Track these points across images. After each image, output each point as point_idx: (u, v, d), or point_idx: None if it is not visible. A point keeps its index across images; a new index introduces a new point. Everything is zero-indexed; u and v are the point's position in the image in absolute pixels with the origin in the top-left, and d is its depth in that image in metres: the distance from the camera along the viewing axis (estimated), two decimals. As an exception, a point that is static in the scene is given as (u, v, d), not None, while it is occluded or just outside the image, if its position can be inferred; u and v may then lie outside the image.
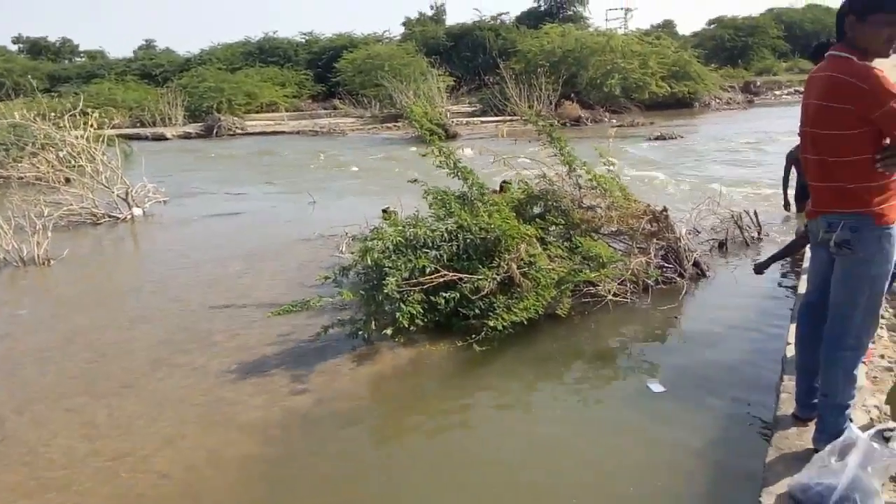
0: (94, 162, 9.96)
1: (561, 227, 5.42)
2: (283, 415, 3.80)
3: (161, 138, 23.65)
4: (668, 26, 44.79)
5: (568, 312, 4.75)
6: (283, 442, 3.55)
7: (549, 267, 4.82)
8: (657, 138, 16.88)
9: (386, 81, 23.88)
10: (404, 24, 42.33)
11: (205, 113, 26.30)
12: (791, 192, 7.08)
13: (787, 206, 7.19)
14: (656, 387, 3.86)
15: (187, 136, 24.37)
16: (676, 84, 25.74)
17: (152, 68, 36.33)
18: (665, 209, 5.66)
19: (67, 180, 10.04)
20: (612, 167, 5.87)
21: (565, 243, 5.23)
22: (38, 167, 10.80)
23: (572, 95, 23.43)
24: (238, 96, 28.43)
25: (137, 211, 9.84)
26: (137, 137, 21.00)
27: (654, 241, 5.45)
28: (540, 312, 4.57)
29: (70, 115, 10.59)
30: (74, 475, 3.29)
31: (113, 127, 11.92)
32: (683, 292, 5.28)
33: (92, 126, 10.39)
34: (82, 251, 8.14)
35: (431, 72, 25.38)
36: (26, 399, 4.13)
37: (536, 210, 5.68)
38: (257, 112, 29.08)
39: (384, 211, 7.42)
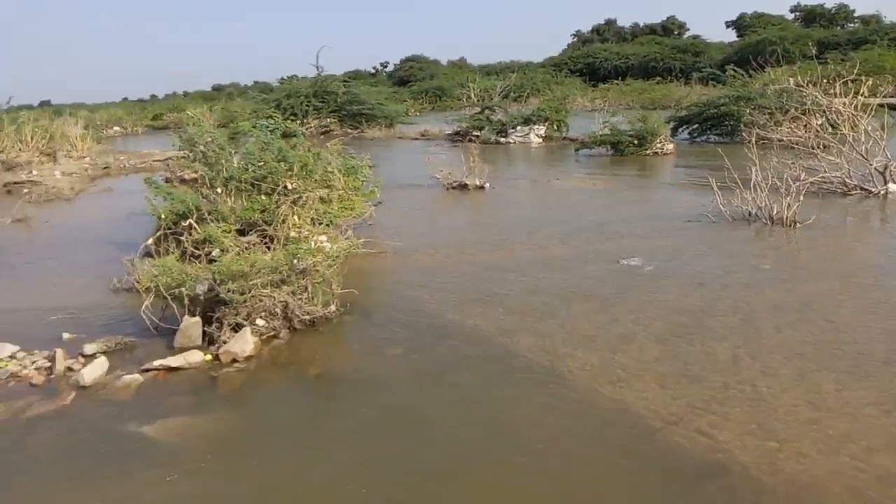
0: (856, 131, 9.56)
1: None
2: None
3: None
4: None
5: None
6: None
7: None
8: None
9: None
10: None
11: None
12: None
13: None
14: None
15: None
16: None
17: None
18: None
19: (825, 147, 9.98)
20: None
21: None
22: (797, 132, 11.11)
23: None
24: None
25: (893, 187, 9.04)
26: (902, 107, 19.06)
27: None
28: None
29: (842, 82, 10.34)
30: (793, 436, 3.35)
31: (883, 96, 11.06)
32: None
33: (862, 94, 9.94)
34: (828, 220, 8.06)
35: None
36: (759, 348, 4.42)
37: None
38: None
39: None
